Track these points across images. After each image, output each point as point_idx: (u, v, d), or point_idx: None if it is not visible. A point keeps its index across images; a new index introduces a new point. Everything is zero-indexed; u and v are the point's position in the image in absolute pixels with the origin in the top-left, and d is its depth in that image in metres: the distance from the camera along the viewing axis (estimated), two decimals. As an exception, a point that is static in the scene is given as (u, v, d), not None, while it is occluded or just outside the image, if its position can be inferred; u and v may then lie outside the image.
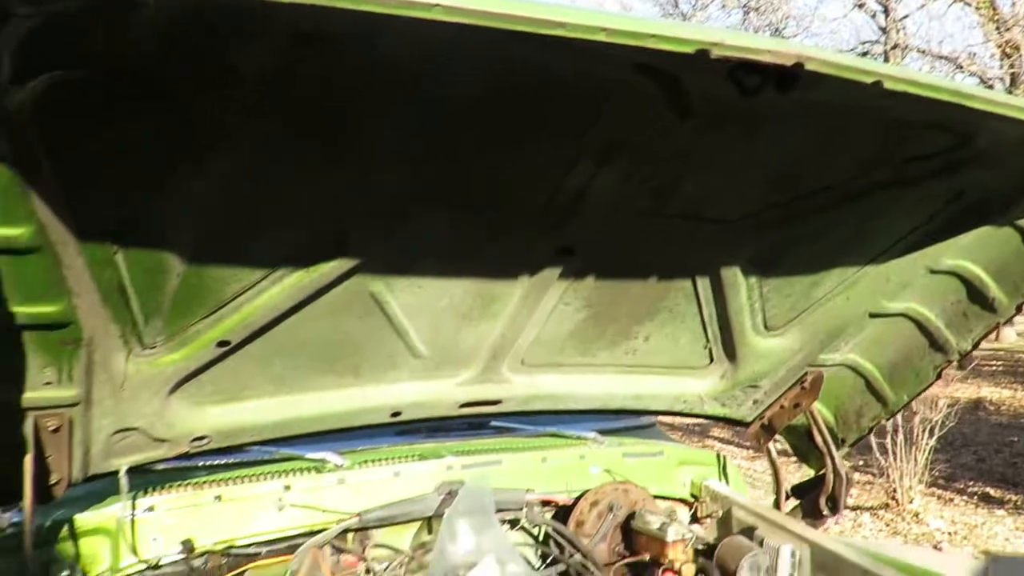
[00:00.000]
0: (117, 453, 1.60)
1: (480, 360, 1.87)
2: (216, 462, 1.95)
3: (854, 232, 1.80)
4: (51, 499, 1.55)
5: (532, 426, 2.36)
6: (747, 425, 2.35)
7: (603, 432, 2.44)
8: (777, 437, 2.40)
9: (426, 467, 2.09)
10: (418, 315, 1.66)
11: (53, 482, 1.51)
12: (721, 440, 7.87)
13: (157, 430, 1.60)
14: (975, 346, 1.90)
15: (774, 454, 2.36)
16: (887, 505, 5.87)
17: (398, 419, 1.90)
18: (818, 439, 2.20)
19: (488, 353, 1.85)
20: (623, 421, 2.65)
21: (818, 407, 2.23)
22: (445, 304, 1.66)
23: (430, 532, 2.10)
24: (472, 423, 2.31)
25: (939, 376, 2.00)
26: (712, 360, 2.14)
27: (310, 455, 2.03)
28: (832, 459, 2.16)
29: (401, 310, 1.63)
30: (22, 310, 1.17)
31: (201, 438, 1.69)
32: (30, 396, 1.33)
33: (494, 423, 2.33)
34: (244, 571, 1.82)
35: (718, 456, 2.55)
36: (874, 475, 6.19)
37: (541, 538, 2.18)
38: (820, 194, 1.65)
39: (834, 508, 2.20)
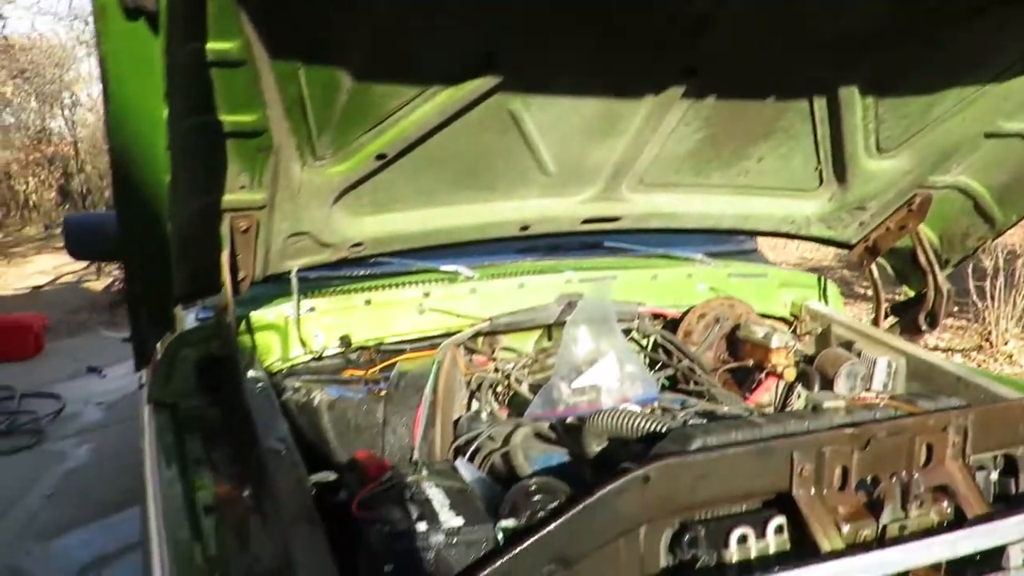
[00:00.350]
0: (290, 255, 1.83)
1: (602, 178, 2.01)
2: (364, 272, 2.19)
3: (975, 49, 1.81)
4: (238, 294, 1.80)
5: (643, 247, 2.53)
6: (851, 247, 2.45)
7: (709, 255, 2.59)
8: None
9: (547, 280, 2.29)
10: (550, 133, 1.80)
11: (240, 279, 1.76)
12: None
13: (323, 235, 1.82)
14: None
15: (876, 274, 2.47)
16: (980, 347, 5.90)
17: (525, 233, 2.08)
18: (922, 258, 2.29)
19: (610, 172, 1.99)
20: (728, 246, 2.79)
21: (923, 228, 2.31)
22: (575, 122, 1.79)
23: (550, 339, 2.32)
24: (587, 243, 2.49)
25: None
26: (822, 182, 2.22)
27: (444, 267, 2.25)
28: (935, 276, 2.26)
29: (535, 128, 1.77)
30: (227, 119, 1.36)
31: (358, 244, 1.91)
32: (227, 199, 1.54)
33: (607, 243, 2.50)
34: (392, 363, 2.08)
35: (819, 278, 2.67)
36: (969, 320, 6.20)
37: (650, 348, 2.38)
38: (943, 8, 1.66)
39: (932, 323, 2.32)
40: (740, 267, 2.57)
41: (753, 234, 2.53)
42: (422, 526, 1.22)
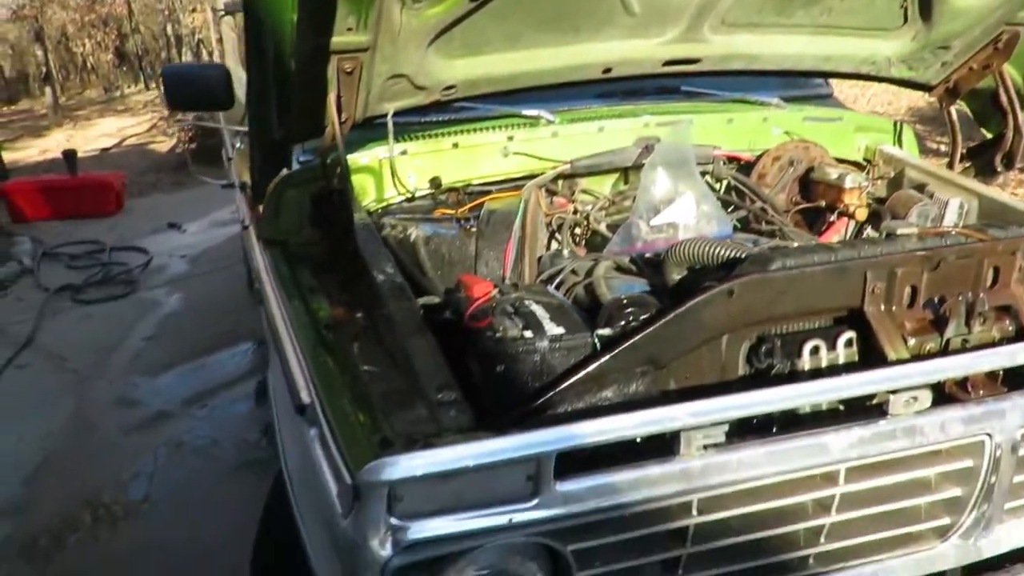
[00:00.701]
0: (388, 98, 1.93)
1: (685, 19, 2.03)
2: (451, 117, 2.29)
3: None
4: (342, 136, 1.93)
5: (719, 91, 2.56)
6: (930, 89, 2.45)
7: (784, 99, 2.61)
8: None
9: (626, 124, 2.36)
10: None
11: (343, 120, 1.87)
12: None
13: (418, 78, 1.91)
14: None
15: (954, 116, 2.47)
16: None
17: (608, 76, 2.13)
18: (1003, 98, 2.29)
19: (693, 11, 2.01)
20: (804, 90, 2.79)
21: (1007, 67, 2.29)
22: (660, -40, 1.81)
23: (626, 182, 2.42)
24: (664, 87, 2.53)
25: None
26: (906, 20, 2.20)
27: (526, 111, 2.33)
28: (1015, 116, 2.27)
29: (620, -33, 1.80)
30: None
31: (450, 87, 2.00)
32: (336, 41, 1.64)
33: (684, 88, 2.53)
34: (479, 203, 2.21)
35: (895, 123, 2.68)
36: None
37: (723, 191, 2.45)
38: None
39: (1009, 164, 2.34)
40: (815, 111, 2.60)
41: (832, 76, 2.53)
42: (528, 333, 1.38)
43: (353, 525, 1.15)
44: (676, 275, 1.73)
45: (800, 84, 2.76)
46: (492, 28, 1.88)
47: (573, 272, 1.97)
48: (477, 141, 2.25)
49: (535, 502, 1.19)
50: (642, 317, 1.41)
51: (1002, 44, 2.23)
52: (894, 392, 1.29)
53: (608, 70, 2.12)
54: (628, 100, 2.50)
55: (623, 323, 1.41)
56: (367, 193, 2.18)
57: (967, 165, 2.47)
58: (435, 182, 2.20)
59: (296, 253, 2.07)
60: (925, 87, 2.44)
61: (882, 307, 1.42)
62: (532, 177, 2.26)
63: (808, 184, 2.37)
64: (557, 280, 1.97)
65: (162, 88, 2.65)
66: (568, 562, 1.25)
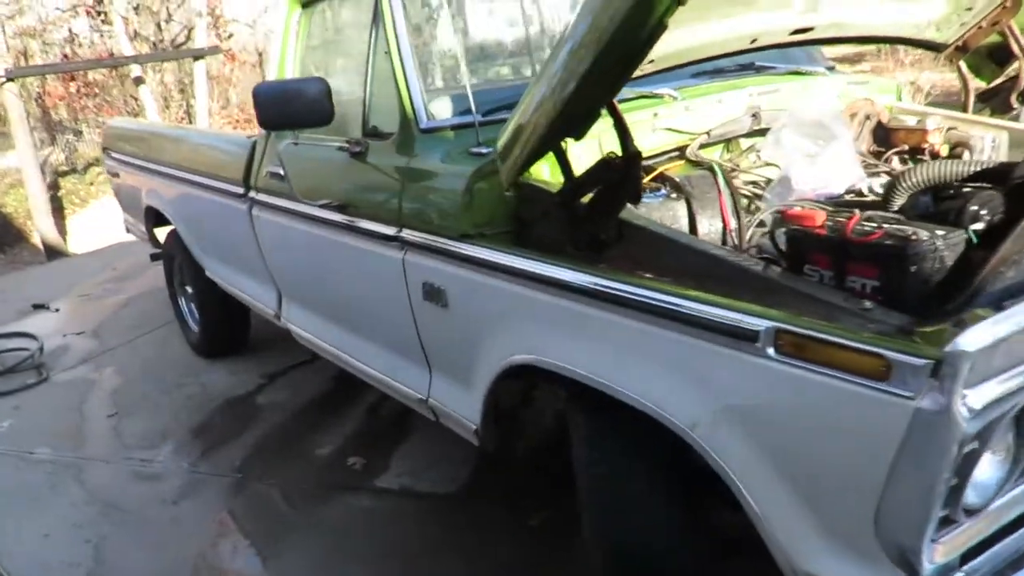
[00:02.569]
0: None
1: None
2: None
3: None
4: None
5: (782, 64, 2.89)
6: (944, 48, 2.92)
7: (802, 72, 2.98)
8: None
9: (737, 96, 2.60)
10: None
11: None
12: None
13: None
14: None
15: (964, 68, 2.97)
16: None
17: (753, 45, 2.35)
18: (1015, 46, 2.80)
19: None
20: (817, 64, 3.18)
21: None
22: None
23: (728, 150, 2.65)
24: (742, 64, 2.81)
25: None
26: (944, -16, 2.64)
27: (659, 91, 2.50)
28: (1027, 59, 2.79)
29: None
30: None
31: (651, 61, 2.11)
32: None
33: (757, 64, 2.83)
34: (658, 174, 2.31)
35: (897, 85, 3.16)
36: None
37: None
38: None
39: (1024, 99, 2.86)
40: (850, 76, 2.99)
41: (885, 41, 2.94)
42: (925, 235, 1.56)
43: (934, 400, 1.27)
44: (900, 200, 1.98)
45: (814, 58, 3.16)
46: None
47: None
48: (632, 120, 2.38)
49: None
50: (998, 212, 1.64)
51: (1011, 2, 2.74)
52: None
53: (754, 40, 2.34)
54: (717, 77, 2.75)
55: (990, 217, 1.63)
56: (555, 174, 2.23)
57: (982, 107, 2.97)
58: (608, 161, 2.29)
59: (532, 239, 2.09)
60: (940, 47, 2.91)
61: None
62: (678, 148, 2.43)
63: (886, 132, 2.74)
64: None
65: (255, 107, 2.49)
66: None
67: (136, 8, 14.76)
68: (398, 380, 2.75)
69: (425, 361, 2.58)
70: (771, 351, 1.48)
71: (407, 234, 2.39)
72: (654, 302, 1.68)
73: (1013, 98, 2.87)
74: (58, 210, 11.29)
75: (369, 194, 2.58)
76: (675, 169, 2.35)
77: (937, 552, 1.43)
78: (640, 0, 1.46)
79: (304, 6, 3.04)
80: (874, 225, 1.61)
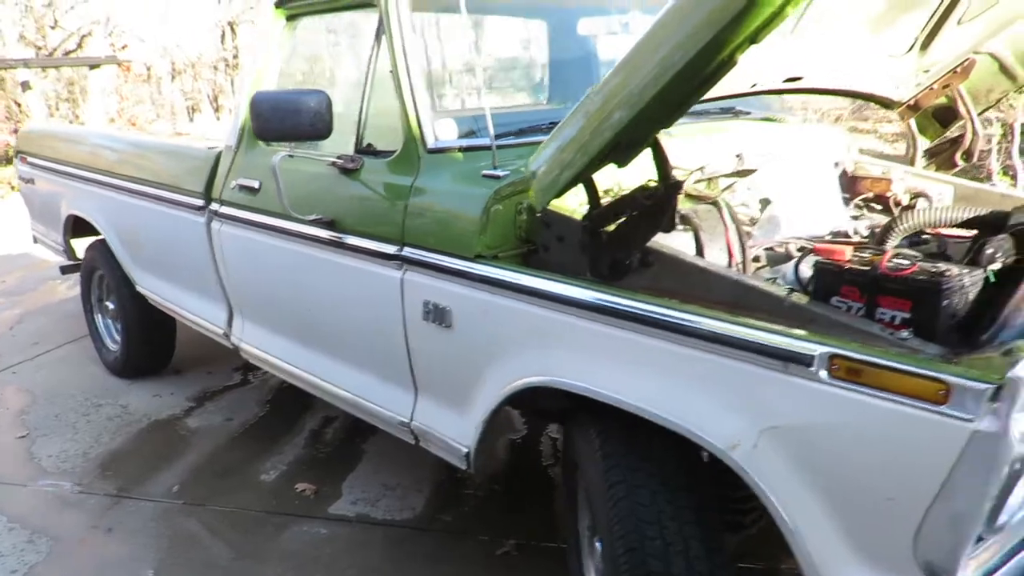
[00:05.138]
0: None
1: (808, 42, 2.44)
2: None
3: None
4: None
5: (755, 110, 3.05)
6: (898, 106, 3.15)
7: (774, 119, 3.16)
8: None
9: (724, 136, 2.72)
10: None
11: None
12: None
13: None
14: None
15: (914, 127, 3.20)
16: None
17: (751, 90, 2.47)
18: (961, 109, 3.05)
19: (815, 36, 2.42)
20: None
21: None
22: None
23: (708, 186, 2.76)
24: (724, 108, 2.94)
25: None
26: (911, 48, 2.85)
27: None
28: (972, 121, 3.04)
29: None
30: None
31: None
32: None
33: (737, 108, 2.97)
34: None
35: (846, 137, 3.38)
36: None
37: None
38: None
39: (968, 159, 3.11)
40: (815, 127, 3.19)
41: (855, 96, 3.12)
42: (955, 271, 1.67)
43: (993, 423, 1.36)
44: (895, 241, 2.11)
45: (781, 108, 3.35)
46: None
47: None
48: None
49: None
50: (1011, 255, 1.78)
51: (961, 69, 2.99)
52: None
53: (754, 85, 2.46)
54: (702, 118, 2.87)
55: (1004, 258, 1.76)
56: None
57: (928, 163, 3.21)
58: (647, 188, 2.33)
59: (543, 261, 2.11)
60: (896, 104, 3.14)
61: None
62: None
63: (850, 180, 2.92)
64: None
65: (252, 116, 2.42)
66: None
67: (26, 10, 14.05)
68: (376, 402, 2.68)
69: (412, 382, 2.53)
70: (824, 375, 1.54)
71: (409, 252, 2.35)
72: (698, 327, 1.72)
73: (957, 156, 3.11)
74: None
75: (364, 211, 2.53)
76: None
77: (969, 568, 1.52)
78: (718, 36, 1.51)
79: (289, 18, 2.98)
80: (908, 262, 1.71)
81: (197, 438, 3.83)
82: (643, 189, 1.93)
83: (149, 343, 4.39)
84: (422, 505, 3.17)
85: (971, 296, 1.68)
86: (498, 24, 2.81)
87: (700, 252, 2.25)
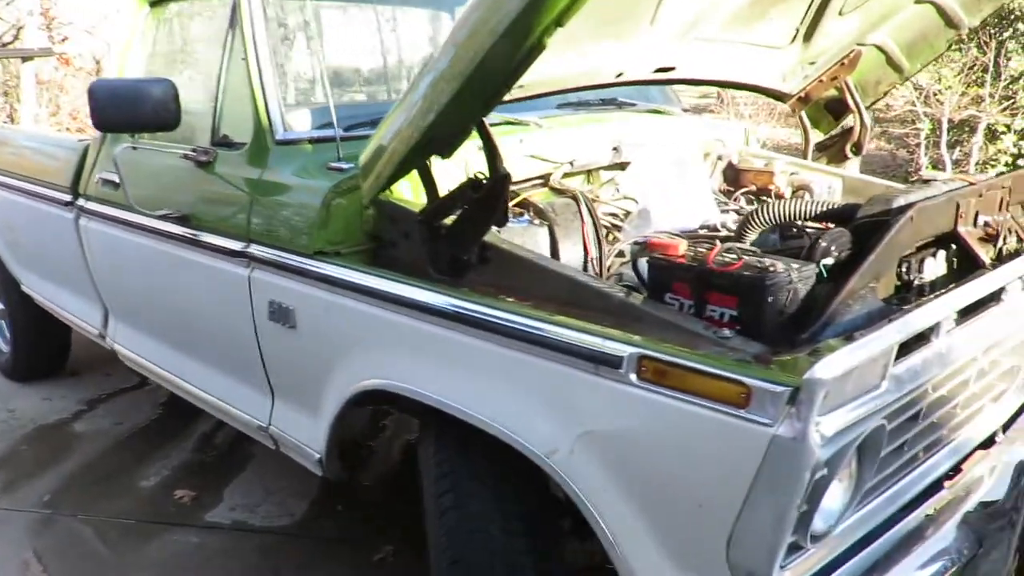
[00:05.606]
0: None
1: (677, 30, 2.35)
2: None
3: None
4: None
5: (642, 102, 2.96)
6: (788, 98, 3.09)
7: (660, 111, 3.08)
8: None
9: (601, 128, 2.63)
10: None
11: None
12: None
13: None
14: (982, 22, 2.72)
15: (805, 120, 3.15)
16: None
17: (618, 80, 2.38)
18: (850, 101, 3.00)
19: (683, 26, 2.32)
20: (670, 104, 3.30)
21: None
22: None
23: (589, 181, 2.68)
24: (606, 99, 2.85)
25: (949, 47, 2.83)
26: (793, 40, 2.79)
27: (524, 117, 2.48)
28: (861, 113, 2.99)
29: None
30: None
31: (521, 86, 2.09)
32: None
33: (620, 99, 2.89)
34: (520, 200, 2.28)
35: (745, 130, 3.31)
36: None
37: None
38: None
39: (858, 151, 3.06)
40: (707, 119, 3.11)
41: (738, 87, 3.06)
42: (781, 266, 1.59)
43: (790, 427, 1.28)
44: (752, 235, 2.04)
45: (671, 99, 3.27)
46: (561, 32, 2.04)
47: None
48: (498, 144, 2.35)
49: (883, 387, 1.42)
50: (846, 248, 1.71)
51: (848, 61, 2.94)
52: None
53: (620, 75, 2.37)
54: (581, 109, 2.78)
55: (838, 252, 1.69)
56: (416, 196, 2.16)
57: (819, 156, 3.16)
58: (475, 181, 2.24)
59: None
60: (785, 96, 3.08)
61: (968, 227, 1.90)
62: (541, 176, 2.42)
63: (735, 173, 2.85)
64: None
65: (89, 106, 2.28)
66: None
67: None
68: (236, 406, 2.56)
69: (267, 386, 2.41)
70: (633, 377, 1.46)
71: (255, 249, 2.24)
72: (515, 326, 1.63)
73: (847, 148, 3.07)
74: None
75: (215, 206, 2.41)
76: (538, 196, 2.33)
77: (785, 576, 1.45)
78: (520, 19, 1.42)
79: (152, 5, 2.84)
80: (734, 256, 1.63)
81: (82, 443, 3.67)
82: (471, 182, 1.83)
83: (39, 344, 4.21)
84: (303, 511, 3.05)
85: (801, 292, 1.61)
86: (353, 13, 2.69)
87: (554, 247, 2.17)
